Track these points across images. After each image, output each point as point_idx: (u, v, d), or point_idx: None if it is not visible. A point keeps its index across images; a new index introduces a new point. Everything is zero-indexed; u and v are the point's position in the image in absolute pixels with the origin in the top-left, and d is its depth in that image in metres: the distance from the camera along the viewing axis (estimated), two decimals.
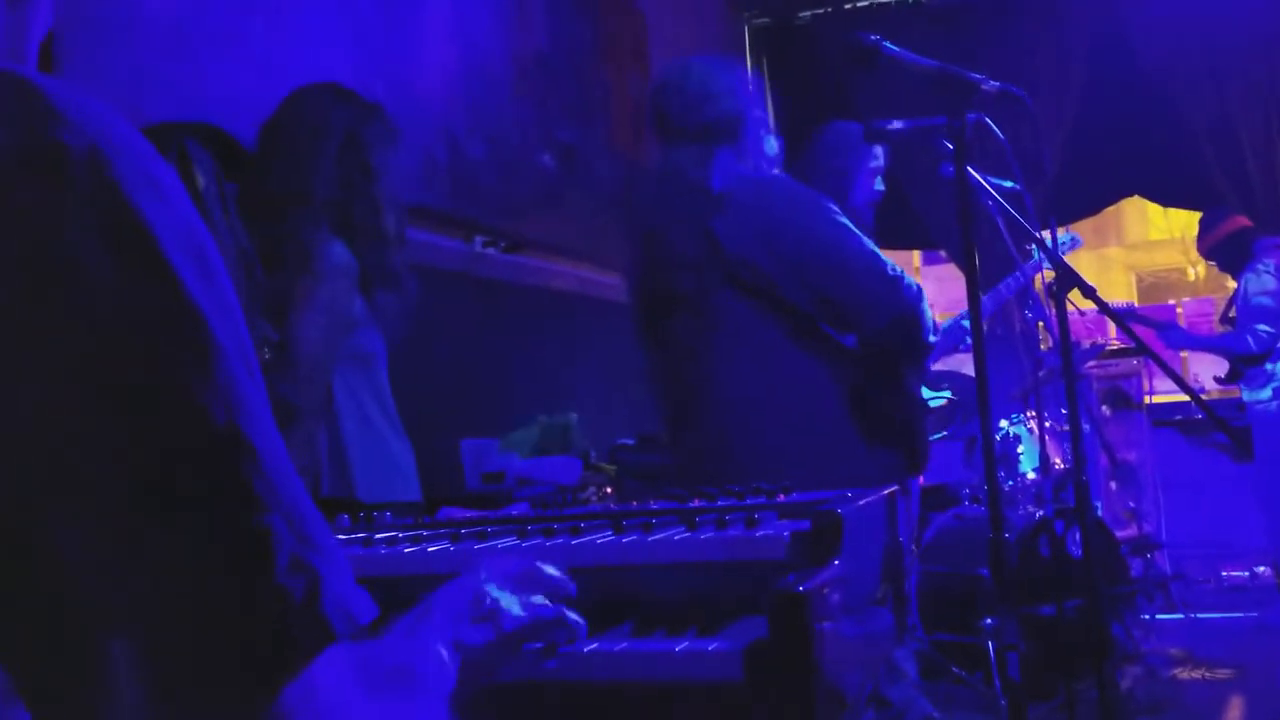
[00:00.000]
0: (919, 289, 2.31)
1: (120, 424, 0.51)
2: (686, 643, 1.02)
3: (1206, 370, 5.93)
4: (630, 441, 3.80)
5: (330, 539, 0.56)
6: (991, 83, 1.86)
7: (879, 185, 3.30)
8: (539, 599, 0.92)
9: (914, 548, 4.10)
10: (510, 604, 0.89)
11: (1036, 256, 2.95)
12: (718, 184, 2.28)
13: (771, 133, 2.48)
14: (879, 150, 3.28)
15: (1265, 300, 4.45)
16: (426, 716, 0.65)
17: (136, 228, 0.53)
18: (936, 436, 4.35)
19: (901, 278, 2.26)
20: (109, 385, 0.51)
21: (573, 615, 0.94)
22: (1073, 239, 4.03)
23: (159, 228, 0.54)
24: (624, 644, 1.05)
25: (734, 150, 2.36)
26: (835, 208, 2.32)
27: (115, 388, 0.51)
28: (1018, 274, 3.43)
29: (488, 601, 0.88)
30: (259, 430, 0.54)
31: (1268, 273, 4.49)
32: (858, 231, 2.29)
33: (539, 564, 0.95)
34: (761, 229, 2.24)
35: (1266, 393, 4.40)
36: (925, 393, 3.52)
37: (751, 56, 6.10)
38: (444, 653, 0.81)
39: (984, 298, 3.53)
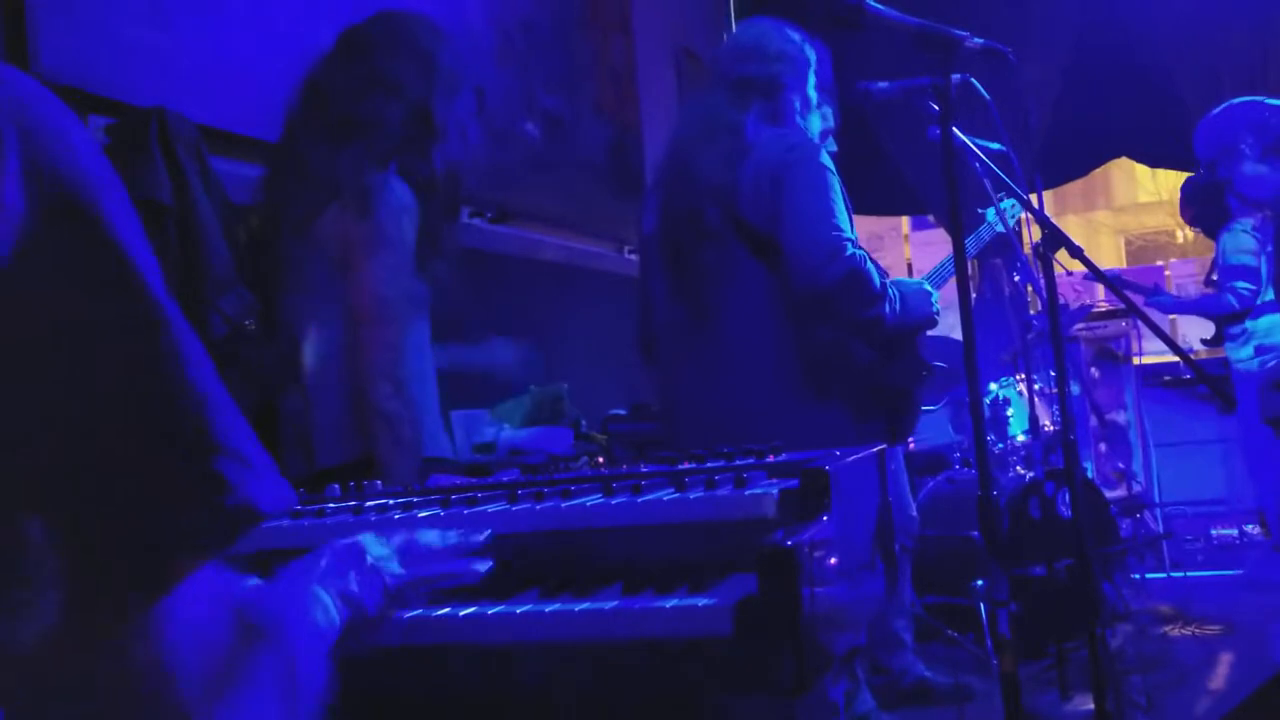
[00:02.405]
0: (860, 274, 2.32)
1: (66, 367, 0.53)
2: (676, 600, 1.03)
3: (1195, 331, 5.96)
4: (622, 411, 3.81)
5: (258, 451, 0.59)
6: (975, 40, 1.85)
7: (830, 146, 3.28)
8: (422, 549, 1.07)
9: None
10: (389, 560, 1.03)
11: (1006, 205, 2.97)
12: (750, 133, 2.40)
13: (817, 111, 2.59)
14: (827, 111, 3.26)
15: (1245, 258, 4.46)
16: (286, 663, 0.69)
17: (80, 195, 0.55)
18: (930, 408, 4.37)
19: (851, 262, 2.28)
20: (60, 338, 0.53)
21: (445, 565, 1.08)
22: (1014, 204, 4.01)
23: (103, 191, 0.56)
24: (614, 602, 1.06)
25: (768, 108, 2.46)
26: (839, 186, 2.38)
27: (63, 341, 0.53)
28: (990, 225, 3.42)
29: (369, 559, 1.01)
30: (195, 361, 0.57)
31: (1245, 232, 4.49)
32: (841, 205, 2.35)
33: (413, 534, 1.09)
34: (771, 176, 2.34)
35: (1248, 350, 4.42)
36: None
37: (736, 19, 6.06)
38: (329, 602, 0.91)
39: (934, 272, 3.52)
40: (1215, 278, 4.83)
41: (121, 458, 0.53)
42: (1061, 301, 2.98)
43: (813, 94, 2.56)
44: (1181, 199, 5.11)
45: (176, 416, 0.55)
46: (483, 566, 1.10)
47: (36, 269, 0.52)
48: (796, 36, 2.57)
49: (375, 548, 1.03)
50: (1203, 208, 4.82)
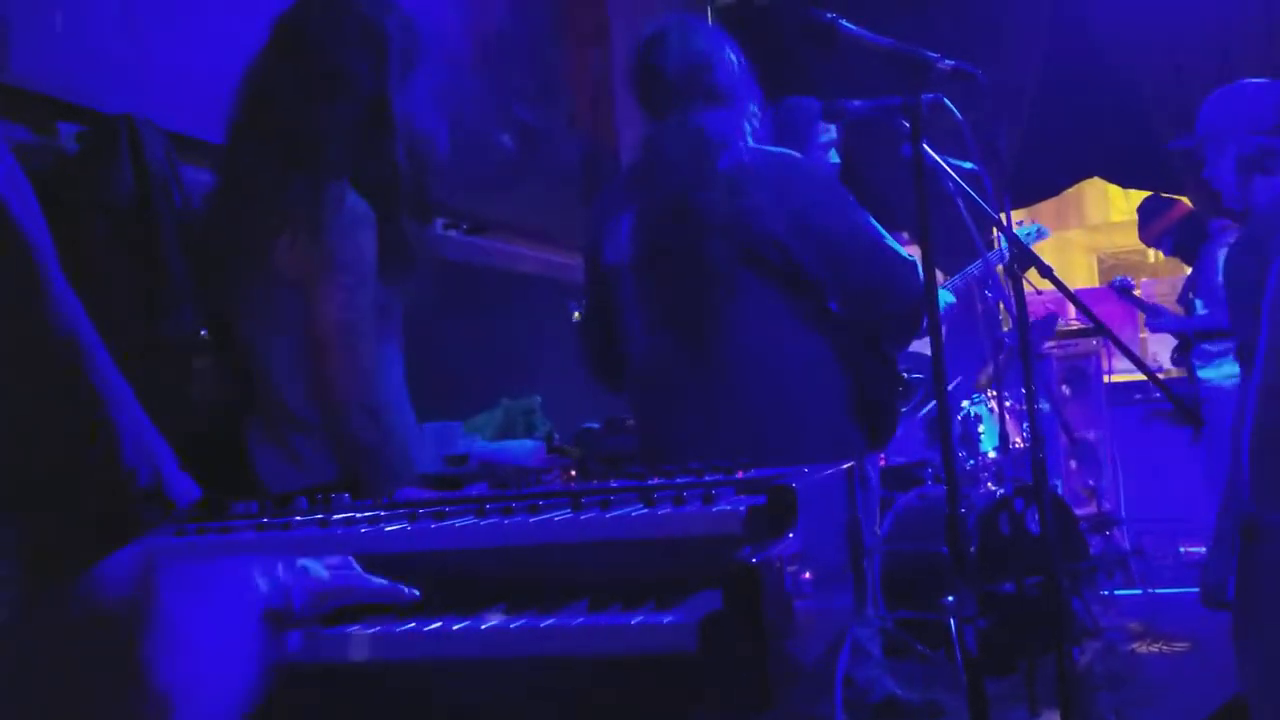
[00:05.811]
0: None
1: None
2: (642, 616, 1.02)
3: (1164, 350, 6.01)
4: (596, 425, 3.81)
5: (165, 449, 0.68)
6: (946, 61, 1.86)
7: (833, 158, 3.34)
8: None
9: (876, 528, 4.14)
10: (317, 569, 1.10)
11: (1002, 244, 3.00)
12: (742, 155, 2.27)
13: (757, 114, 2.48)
14: (829, 125, 3.32)
15: None
16: (229, 617, 0.74)
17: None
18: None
19: (916, 265, 2.27)
20: None
21: (381, 582, 1.15)
22: (1038, 230, 4.08)
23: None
24: (580, 619, 1.05)
25: (746, 119, 2.37)
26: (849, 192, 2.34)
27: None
28: (983, 260, 3.46)
29: (298, 563, 1.08)
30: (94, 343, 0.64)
31: None
32: (872, 218, 2.33)
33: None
34: (790, 207, 2.23)
35: (1231, 368, 4.42)
36: None
37: None
38: (259, 579, 0.99)
39: (955, 279, 3.57)
40: (1192, 296, 4.85)
41: (46, 456, 0.60)
42: (1032, 319, 3.00)
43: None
44: (1141, 219, 5.14)
45: (91, 421, 0.61)
46: (411, 593, 1.15)
47: None
48: (720, 33, 2.47)
49: (310, 561, 1.10)
50: (1167, 226, 4.86)
